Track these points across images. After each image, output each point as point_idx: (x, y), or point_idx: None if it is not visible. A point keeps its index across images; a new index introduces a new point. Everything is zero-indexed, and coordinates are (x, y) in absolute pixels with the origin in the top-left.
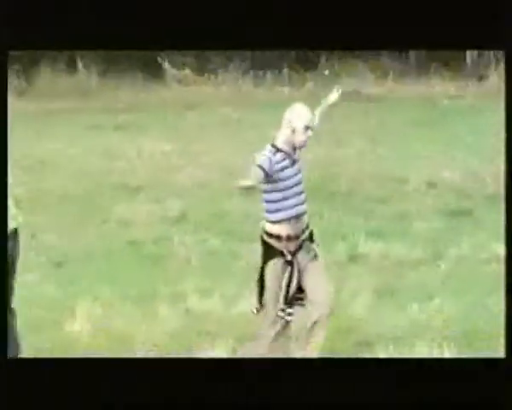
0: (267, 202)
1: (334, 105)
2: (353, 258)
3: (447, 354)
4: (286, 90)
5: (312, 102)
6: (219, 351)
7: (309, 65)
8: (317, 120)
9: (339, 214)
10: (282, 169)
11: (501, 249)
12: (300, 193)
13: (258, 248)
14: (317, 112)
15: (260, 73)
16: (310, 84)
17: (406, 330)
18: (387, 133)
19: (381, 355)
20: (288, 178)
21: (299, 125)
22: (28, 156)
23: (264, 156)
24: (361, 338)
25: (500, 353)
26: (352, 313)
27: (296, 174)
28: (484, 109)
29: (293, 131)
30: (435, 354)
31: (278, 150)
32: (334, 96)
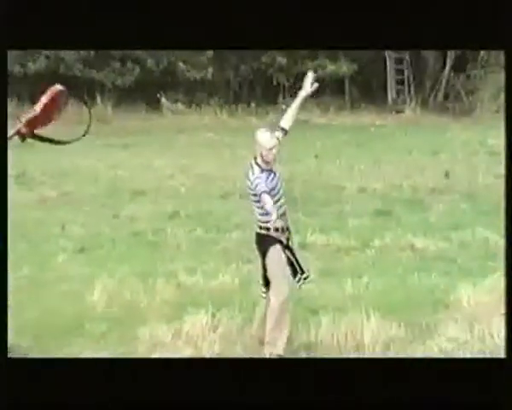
0: (263, 207)
1: (310, 95)
2: (303, 246)
3: (373, 320)
4: (253, 119)
5: (273, 128)
6: (202, 315)
7: (270, 101)
8: (294, 112)
9: (294, 214)
10: (271, 181)
11: (414, 240)
12: (282, 196)
13: (232, 237)
14: (296, 104)
15: (234, 106)
16: (271, 116)
17: (342, 301)
18: (329, 152)
19: (324, 321)
20: (274, 187)
21: (264, 150)
22: (59, 167)
23: (260, 180)
24: (309, 306)
25: (500, 353)
26: (302, 288)
27: (277, 182)
28: (400, 135)
29: (261, 154)
30: (364, 319)
31: (263, 170)
32: (308, 85)
